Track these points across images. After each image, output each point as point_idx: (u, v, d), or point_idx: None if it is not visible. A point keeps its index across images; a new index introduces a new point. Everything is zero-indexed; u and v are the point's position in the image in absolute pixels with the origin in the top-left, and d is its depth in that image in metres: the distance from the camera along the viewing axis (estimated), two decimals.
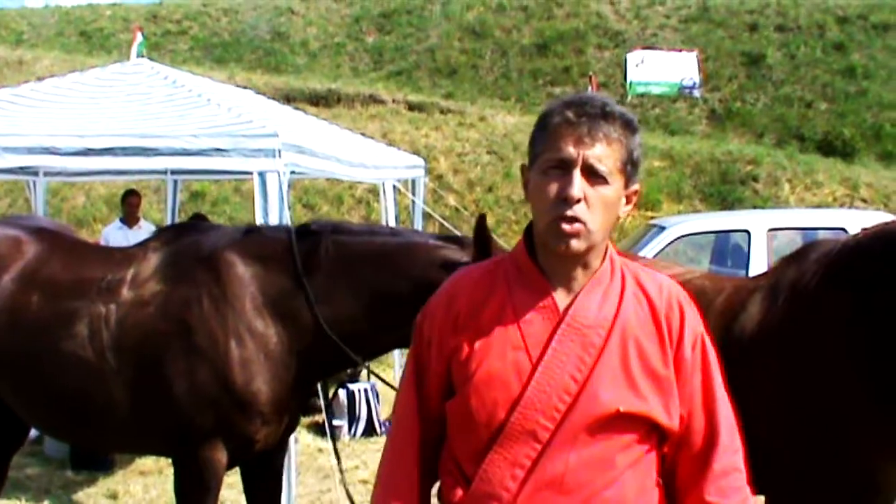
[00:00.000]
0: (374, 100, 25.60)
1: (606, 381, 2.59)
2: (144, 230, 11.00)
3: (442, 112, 24.98)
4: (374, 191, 13.46)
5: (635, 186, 2.69)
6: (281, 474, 5.63)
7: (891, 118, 30.64)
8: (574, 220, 2.54)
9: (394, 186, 11.19)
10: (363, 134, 14.22)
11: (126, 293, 5.11)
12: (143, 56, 10.19)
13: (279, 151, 6.78)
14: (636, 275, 2.76)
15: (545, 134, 2.61)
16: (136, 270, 5.18)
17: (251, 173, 6.93)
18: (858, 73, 32.10)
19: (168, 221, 12.86)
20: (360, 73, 32.20)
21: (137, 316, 5.08)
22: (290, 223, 6.33)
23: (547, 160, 2.59)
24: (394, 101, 25.55)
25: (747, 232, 11.24)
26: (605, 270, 2.69)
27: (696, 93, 30.95)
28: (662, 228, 11.56)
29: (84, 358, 5.03)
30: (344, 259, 5.14)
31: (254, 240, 5.30)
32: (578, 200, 2.53)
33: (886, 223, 4.38)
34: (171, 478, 8.62)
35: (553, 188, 2.55)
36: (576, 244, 2.56)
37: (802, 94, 31.64)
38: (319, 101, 24.95)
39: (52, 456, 9.47)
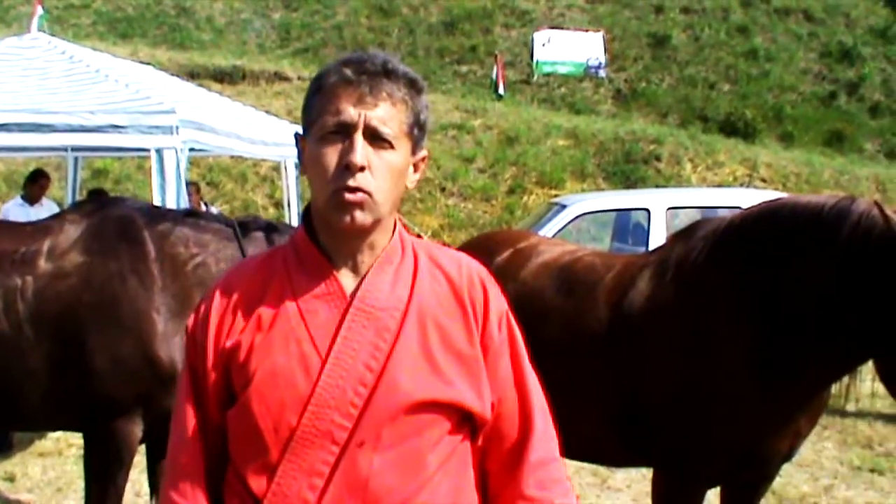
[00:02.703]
0: (279, 77, 25.49)
1: (406, 367, 2.28)
2: (46, 208, 10.83)
3: None
4: (278, 168, 13.40)
5: (423, 153, 2.40)
6: None
7: (791, 100, 31.38)
8: (358, 189, 2.23)
9: (296, 164, 11.16)
10: (268, 111, 14.13)
11: (43, 265, 5.02)
12: (43, 30, 10.03)
13: (177, 128, 6.76)
14: (430, 252, 2.47)
15: (321, 95, 2.29)
16: (52, 242, 5.09)
17: (150, 150, 6.89)
18: (761, 55, 32.76)
19: (69, 199, 12.66)
20: (266, 50, 32.00)
21: (58, 287, 4.98)
22: (187, 200, 6.31)
23: (324, 125, 2.26)
24: (299, 78, 25.42)
25: (647, 210, 11.43)
26: (394, 248, 2.39)
27: (602, 73, 31.30)
28: (563, 207, 11.70)
29: None
30: None
31: (192, 223, 5.27)
32: (362, 168, 2.22)
33: (769, 201, 4.51)
34: (70, 459, 8.69)
35: (332, 156, 2.24)
36: (361, 216, 2.25)
37: (706, 76, 32.21)
38: (224, 77, 24.78)
39: None
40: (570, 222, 11.34)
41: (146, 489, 6.95)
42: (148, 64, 13.66)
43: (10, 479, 8.38)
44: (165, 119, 6.76)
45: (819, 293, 4.01)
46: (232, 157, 18.07)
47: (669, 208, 11.13)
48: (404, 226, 2.50)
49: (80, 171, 13.60)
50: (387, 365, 2.27)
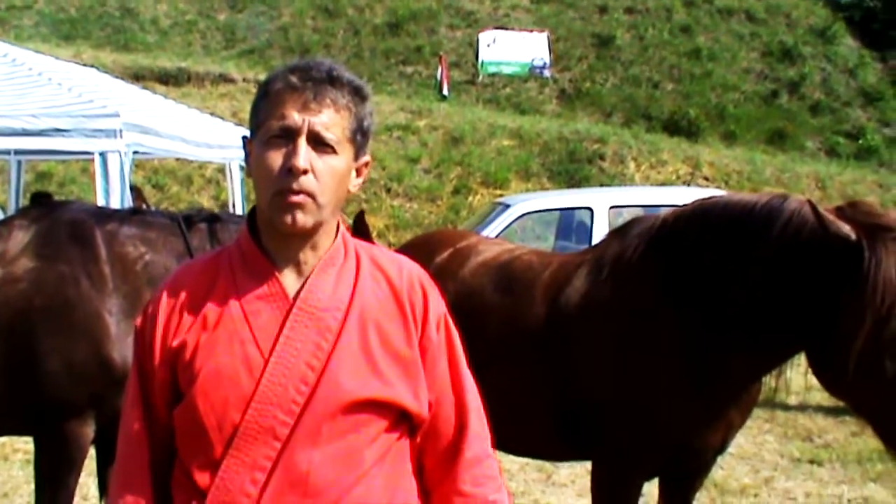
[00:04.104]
0: (224, 79, 25.42)
1: (347, 367, 2.37)
2: None
3: None
4: (223, 171, 13.41)
5: (366, 158, 2.50)
6: None
7: (734, 99, 31.69)
8: (300, 192, 2.31)
9: (240, 166, 11.20)
10: (213, 113, 14.15)
11: None
12: None
13: (120, 132, 6.81)
14: (372, 255, 2.55)
15: (267, 101, 2.39)
16: (2, 248, 5.10)
17: (93, 153, 6.91)
18: (704, 55, 33.03)
19: (12, 202, 12.61)
20: (211, 52, 31.83)
21: (8, 292, 4.98)
22: (130, 204, 6.35)
23: (269, 128, 2.35)
24: (244, 79, 25.38)
25: (590, 209, 11.58)
26: (337, 250, 2.48)
27: (547, 73, 31.44)
28: (507, 206, 11.83)
29: None
30: (232, 240, 5.22)
31: (138, 221, 5.31)
32: (305, 171, 2.31)
33: (703, 199, 4.63)
34: (17, 464, 8.67)
35: (276, 159, 2.33)
36: (302, 218, 2.33)
37: (650, 75, 32.43)
38: (169, 79, 24.68)
39: None
40: (513, 222, 11.47)
41: (94, 492, 6.99)
42: (92, 66, 13.62)
43: None
44: (109, 122, 6.80)
45: (749, 290, 4.10)
46: (177, 159, 18.04)
47: (612, 207, 11.28)
48: (347, 228, 2.58)
49: (24, 175, 13.53)
50: (328, 364, 2.35)
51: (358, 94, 2.42)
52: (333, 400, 2.34)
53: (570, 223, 12.47)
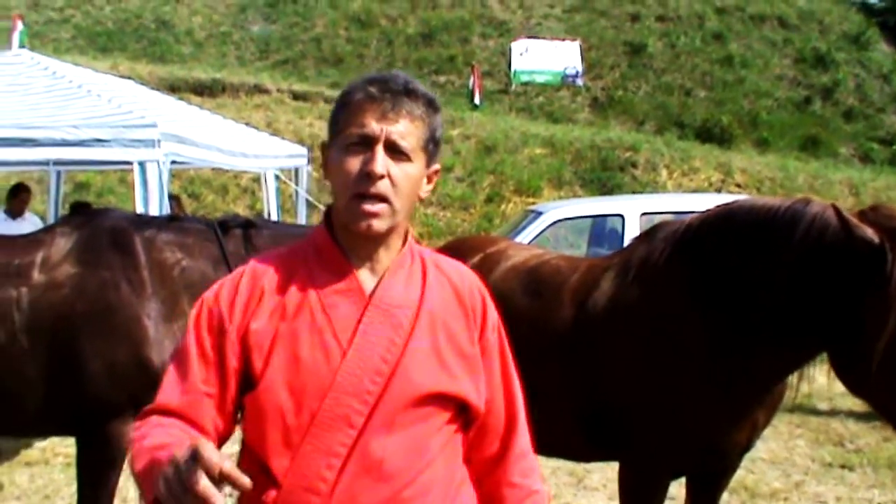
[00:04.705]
0: (258, 89, 25.58)
1: (418, 361, 2.52)
2: (28, 221, 10.97)
3: (326, 101, 25.01)
4: (258, 180, 13.55)
5: (436, 166, 2.65)
6: None
7: (767, 106, 31.62)
8: (377, 198, 2.46)
9: (275, 175, 11.33)
10: (247, 124, 14.29)
11: (37, 276, 5.18)
12: (24, 45, 10.17)
13: (158, 141, 6.92)
14: (434, 260, 2.73)
15: (347, 110, 2.53)
16: (45, 254, 5.24)
17: (132, 163, 7.05)
18: (736, 62, 33.00)
19: (52, 213, 12.80)
20: (245, 63, 32.09)
21: (51, 298, 5.14)
22: (169, 212, 6.50)
23: (349, 136, 2.49)
24: (278, 90, 25.57)
25: (621, 216, 11.63)
26: (406, 252, 2.63)
27: (579, 81, 31.49)
28: (539, 214, 11.88)
29: None
30: (266, 246, 5.35)
31: (175, 227, 5.46)
32: (382, 176, 2.45)
33: (727, 203, 4.70)
34: (57, 467, 8.83)
35: (355, 165, 2.47)
36: (377, 224, 2.49)
37: (682, 83, 32.43)
38: (204, 91, 24.85)
39: None
40: (545, 229, 11.52)
41: (133, 495, 7.14)
42: (128, 78, 13.80)
43: None
44: (147, 133, 6.93)
45: (774, 293, 4.17)
46: (213, 169, 18.18)
47: (643, 214, 11.31)
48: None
49: (63, 185, 13.71)
50: (401, 358, 2.50)
51: (431, 106, 2.57)
52: (405, 392, 2.49)
53: (602, 230, 12.51)
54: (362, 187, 2.46)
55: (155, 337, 5.11)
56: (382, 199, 2.47)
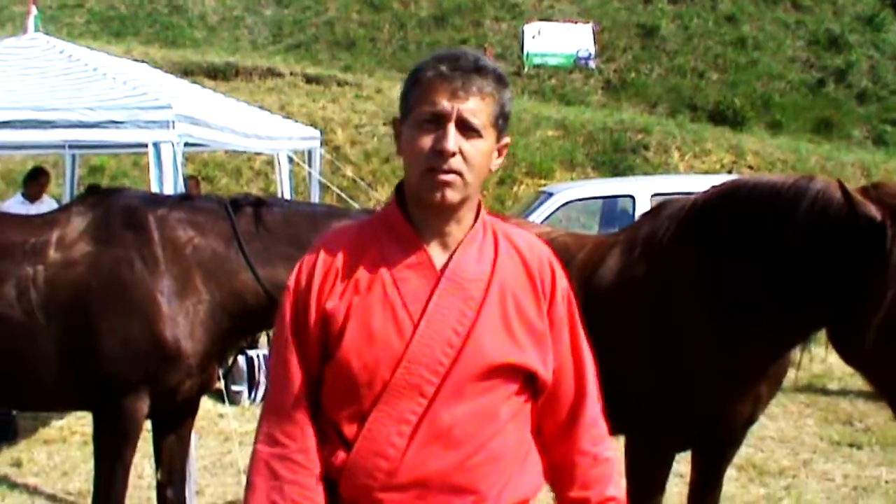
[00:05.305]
0: (271, 73, 25.63)
1: (488, 333, 2.59)
2: (46, 205, 11.03)
3: (339, 84, 25.13)
4: (272, 163, 13.63)
5: (506, 140, 2.70)
6: (190, 437, 5.91)
7: (779, 88, 31.53)
8: (450, 171, 2.52)
9: (288, 157, 11.40)
10: (261, 107, 14.35)
11: (53, 254, 5.28)
12: (38, 30, 10.23)
13: (173, 122, 6.99)
14: (506, 232, 2.76)
15: (419, 88, 2.59)
16: (61, 233, 5.34)
17: (147, 145, 7.13)
18: (749, 44, 32.90)
19: (67, 196, 12.85)
20: (258, 47, 32.11)
21: (68, 275, 5.24)
22: (184, 192, 6.60)
23: (421, 113, 2.56)
24: (291, 73, 25.62)
25: (632, 197, 11.71)
26: (478, 226, 2.68)
27: (592, 64, 31.50)
28: (550, 195, 11.97)
29: (13, 318, 5.20)
30: (277, 224, 5.47)
31: (187, 206, 5.56)
32: (454, 154, 2.51)
33: (732, 181, 4.78)
34: (74, 445, 8.96)
35: (427, 141, 2.53)
36: (451, 195, 2.54)
37: (695, 65, 32.35)
38: (217, 74, 24.91)
39: None
40: (557, 210, 11.61)
41: (149, 471, 7.26)
42: (142, 62, 13.86)
43: (17, 464, 8.65)
44: (161, 114, 7.00)
45: (776, 268, 4.23)
46: (226, 152, 18.30)
47: (654, 195, 11.36)
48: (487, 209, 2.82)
49: (78, 169, 13.77)
50: (472, 330, 2.58)
51: (500, 82, 2.62)
52: (476, 363, 2.58)
53: (613, 211, 12.57)
54: (435, 163, 2.53)
55: (168, 313, 5.21)
56: (455, 172, 2.54)
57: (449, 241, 2.66)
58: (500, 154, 2.70)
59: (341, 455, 2.60)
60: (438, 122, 2.54)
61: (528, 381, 2.68)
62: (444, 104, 2.53)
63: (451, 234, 2.65)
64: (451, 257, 2.64)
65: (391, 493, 2.56)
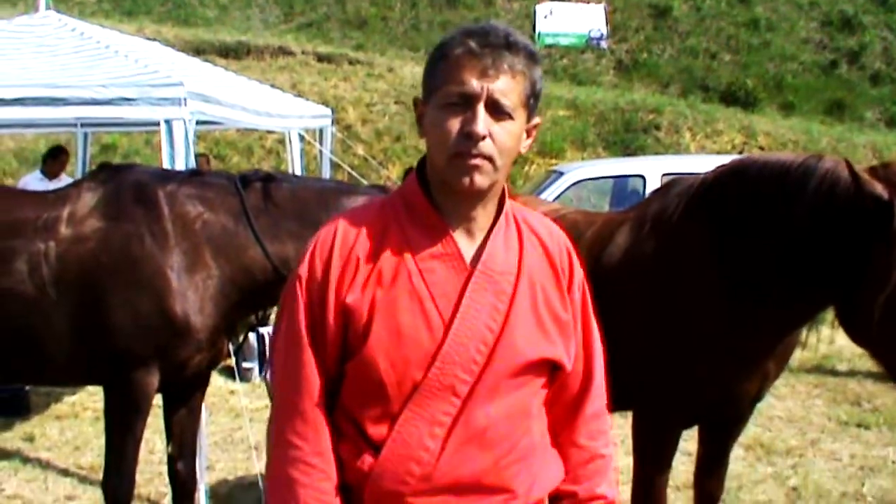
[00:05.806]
0: (283, 51, 25.67)
1: (521, 328, 2.47)
2: (64, 183, 11.08)
3: (350, 63, 25.16)
4: (283, 141, 13.66)
5: (536, 120, 2.54)
6: (200, 411, 5.96)
7: (792, 69, 31.45)
8: (479, 155, 2.35)
9: (300, 136, 11.42)
10: (272, 85, 14.38)
11: (64, 230, 5.32)
12: (50, 8, 10.25)
13: (185, 100, 7.01)
14: (525, 217, 2.63)
15: (445, 65, 2.40)
16: (72, 209, 5.39)
17: (159, 123, 7.15)
18: (762, 25, 32.80)
19: (79, 174, 12.86)
20: (270, 26, 32.11)
21: (78, 251, 5.28)
22: (194, 168, 6.64)
23: (448, 93, 2.37)
24: (303, 52, 25.66)
25: (642, 177, 11.72)
26: (504, 214, 2.55)
27: (604, 44, 31.45)
28: (561, 174, 11.98)
29: (24, 293, 5.24)
30: (286, 200, 5.51)
31: (196, 181, 5.59)
32: (484, 137, 2.34)
33: (740, 159, 4.79)
34: (86, 420, 9.03)
35: (455, 124, 2.35)
36: (480, 180, 2.37)
37: (707, 46, 32.29)
38: (229, 53, 24.97)
39: None
40: (567, 189, 11.62)
41: (160, 447, 7.32)
42: (154, 40, 13.89)
43: (30, 439, 8.73)
44: (173, 91, 7.01)
45: (785, 245, 4.24)
46: (238, 130, 18.34)
47: (664, 174, 11.36)
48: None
49: (90, 147, 13.82)
50: (505, 326, 2.46)
51: (532, 59, 2.45)
52: (510, 360, 2.46)
53: (624, 190, 12.57)
54: (463, 146, 2.36)
55: (178, 288, 5.25)
56: (484, 157, 2.37)
57: (473, 227, 2.50)
58: (528, 135, 2.52)
59: (367, 459, 2.46)
60: (467, 102, 2.36)
61: (553, 373, 2.59)
62: (473, 84, 2.35)
63: (476, 219, 2.50)
64: (481, 248, 2.50)
65: (423, 497, 2.45)
